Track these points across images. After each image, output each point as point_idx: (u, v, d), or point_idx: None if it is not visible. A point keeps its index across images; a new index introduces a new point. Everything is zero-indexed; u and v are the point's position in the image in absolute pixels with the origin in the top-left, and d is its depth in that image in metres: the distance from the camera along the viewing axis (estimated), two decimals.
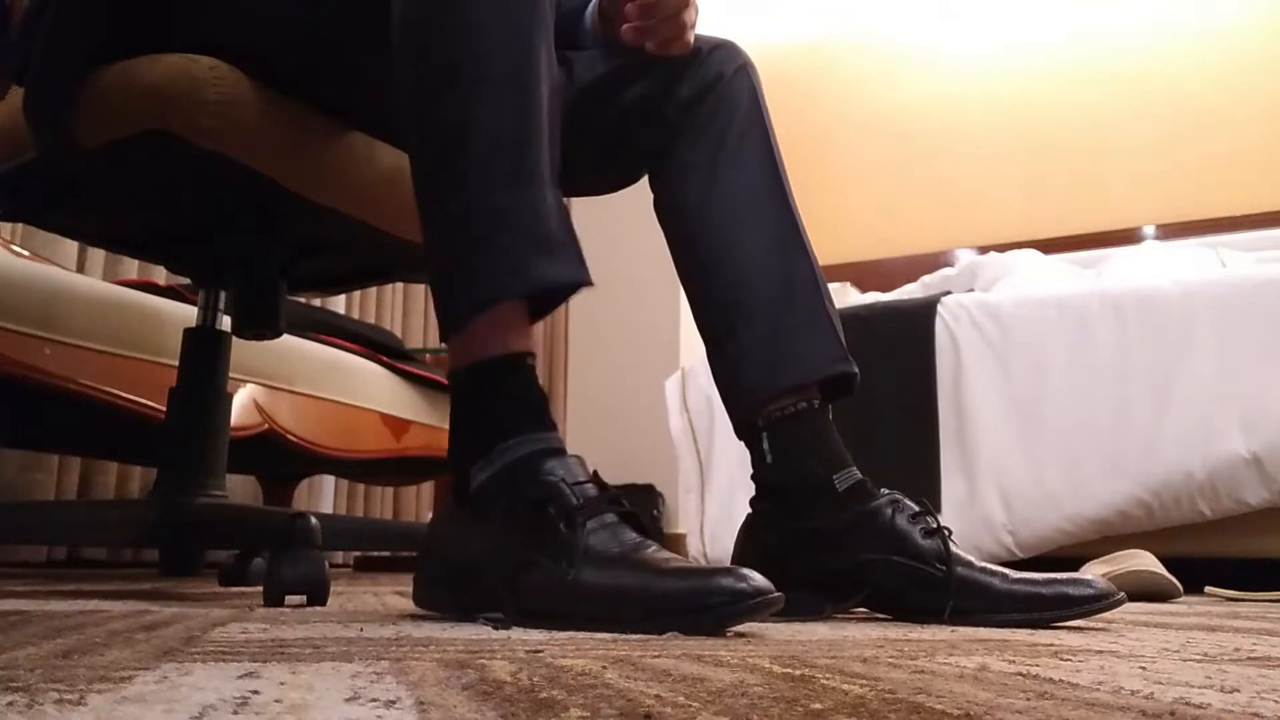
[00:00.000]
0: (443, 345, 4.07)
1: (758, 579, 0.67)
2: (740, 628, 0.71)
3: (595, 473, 0.77)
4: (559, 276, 0.80)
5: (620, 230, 4.05)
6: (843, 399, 1.02)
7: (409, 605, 0.96)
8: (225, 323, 1.30)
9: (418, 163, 0.83)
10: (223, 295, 1.32)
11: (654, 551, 0.72)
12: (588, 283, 0.81)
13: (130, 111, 0.97)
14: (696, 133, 1.04)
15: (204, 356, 1.27)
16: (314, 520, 0.99)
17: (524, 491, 0.74)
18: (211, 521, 1.19)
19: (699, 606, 0.66)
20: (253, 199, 1.11)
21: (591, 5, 1.11)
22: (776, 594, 0.68)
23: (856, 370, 1.01)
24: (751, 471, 1.01)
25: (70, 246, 2.18)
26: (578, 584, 0.69)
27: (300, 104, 1.07)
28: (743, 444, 1.02)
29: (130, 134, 0.97)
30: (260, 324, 1.24)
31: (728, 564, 0.73)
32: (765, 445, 0.98)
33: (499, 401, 0.80)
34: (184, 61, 0.97)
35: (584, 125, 1.03)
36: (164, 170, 1.06)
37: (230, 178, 1.04)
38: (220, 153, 0.99)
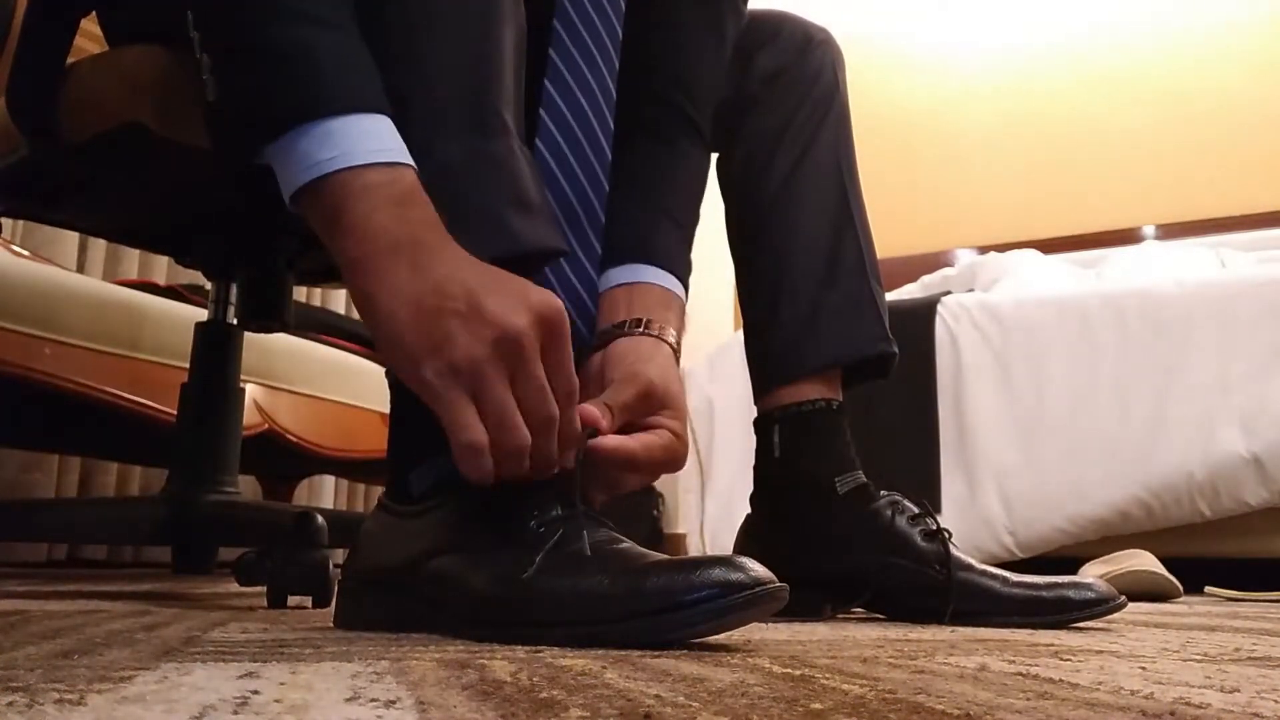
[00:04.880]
0: None
1: (755, 568, 0.56)
2: (739, 630, 0.68)
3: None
4: (542, 239, 0.66)
5: None
6: (880, 379, 1.03)
7: None
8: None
9: None
10: (234, 288, 1.31)
11: (628, 548, 0.61)
12: (566, 251, 0.71)
13: (106, 105, 0.96)
14: (771, 104, 1.03)
15: (216, 351, 1.27)
16: (320, 519, 0.98)
17: (475, 487, 0.61)
18: (225, 519, 1.18)
19: (685, 602, 0.55)
20: (248, 190, 1.09)
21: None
22: (779, 584, 0.57)
23: (896, 351, 1.01)
24: (754, 463, 1.01)
25: (70, 246, 2.18)
26: (536, 584, 0.58)
27: None
28: (743, 441, 1.02)
29: (109, 128, 0.96)
30: (267, 315, 1.24)
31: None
32: (776, 438, 0.98)
33: None
34: (154, 53, 0.96)
35: None
36: (149, 164, 1.04)
37: (218, 170, 1.02)
38: (200, 147, 0.97)
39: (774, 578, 0.57)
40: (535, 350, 0.58)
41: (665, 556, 0.60)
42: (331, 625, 0.71)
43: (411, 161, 0.61)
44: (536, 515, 0.62)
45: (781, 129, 1.03)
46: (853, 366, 1.00)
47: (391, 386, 0.71)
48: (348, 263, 0.60)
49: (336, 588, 0.73)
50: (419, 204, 0.60)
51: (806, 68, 1.05)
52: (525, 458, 0.59)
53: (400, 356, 0.59)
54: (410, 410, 0.69)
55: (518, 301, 0.58)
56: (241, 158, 0.62)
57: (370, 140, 0.60)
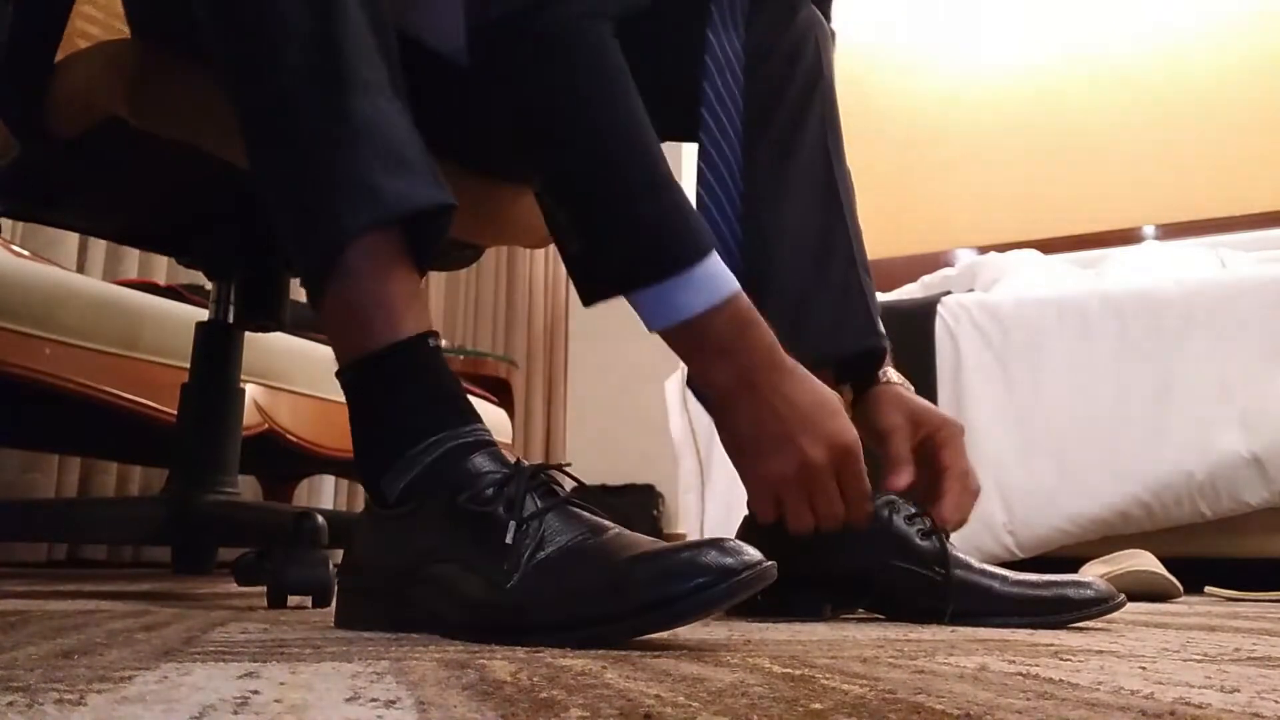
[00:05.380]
0: (465, 347, 3.94)
1: (743, 550, 0.56)
2: (739, 630, 0.69)
3: (519, 461, 0.65)
4: (417, 199, 0.67)
5: None
6: (871, 371, 0.99)
7: None
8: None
9: (233, 105, 0.71)
10: (234, 288, 1.30)
11: (612, 535, 0.60)
12: (453, 203, 0.69)
13: (89, 101, 0.95)
14: (758, 84, 0.98)
15: (217, 350, 1.26)
16: (320, 519, 0.98)
17: (446, 491, 0.63)
18: (225, 519, 1.18)
19: (673, 595, 0.54)
20: (239, 189, 1.09)
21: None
22: (768, 563, 0.57)
23: (887, 345, 0.98)
24: None
25: (70, 246, 2.18)
26: (520, 590, 0.58)
27: None
28: None
29: (93, 124, 0.96)
30: (264, 315, 1.24)
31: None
32: None
33: (401, 401, 0.67)
34: (130, 47, 0.95)
35: (655, 65, 0.89)
36: (134, 161, 1.04)
37: (205, 167, 1.01)
38: (184, 142, 0.96)
39: (760, 557, 0.57)
40: (828, 475, 0.78)
41: (651, 542, 0.59)
42: (331, 625, 0.71)
43: (736, 286, 0.75)
44: (514, 513, 0.61)
45: (765, 113, 0.99)
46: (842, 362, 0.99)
47: (347, 396, 0.70)
48: (712, 385, 0.79)
49: (336, 588, 0.73)
50: (754, 330, 0.77)
51: (798, 49, 1.01)
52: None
53: (733, 457, 0.83)
54: (366, 419, 0.70)
55: (821, 435, 0.77)
56: (601, 298, 0.76)
57: (717, 284, 0.74)
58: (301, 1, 0.67)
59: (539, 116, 0.76)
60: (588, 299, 0.77)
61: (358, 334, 0.68)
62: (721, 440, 0.82)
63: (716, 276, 0.74)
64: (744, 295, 0.76)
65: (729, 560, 0.55)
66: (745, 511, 1.02)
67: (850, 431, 0.78)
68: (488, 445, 0.66)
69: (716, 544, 0.56)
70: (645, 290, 0.73)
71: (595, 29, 0.76)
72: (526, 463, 0.65)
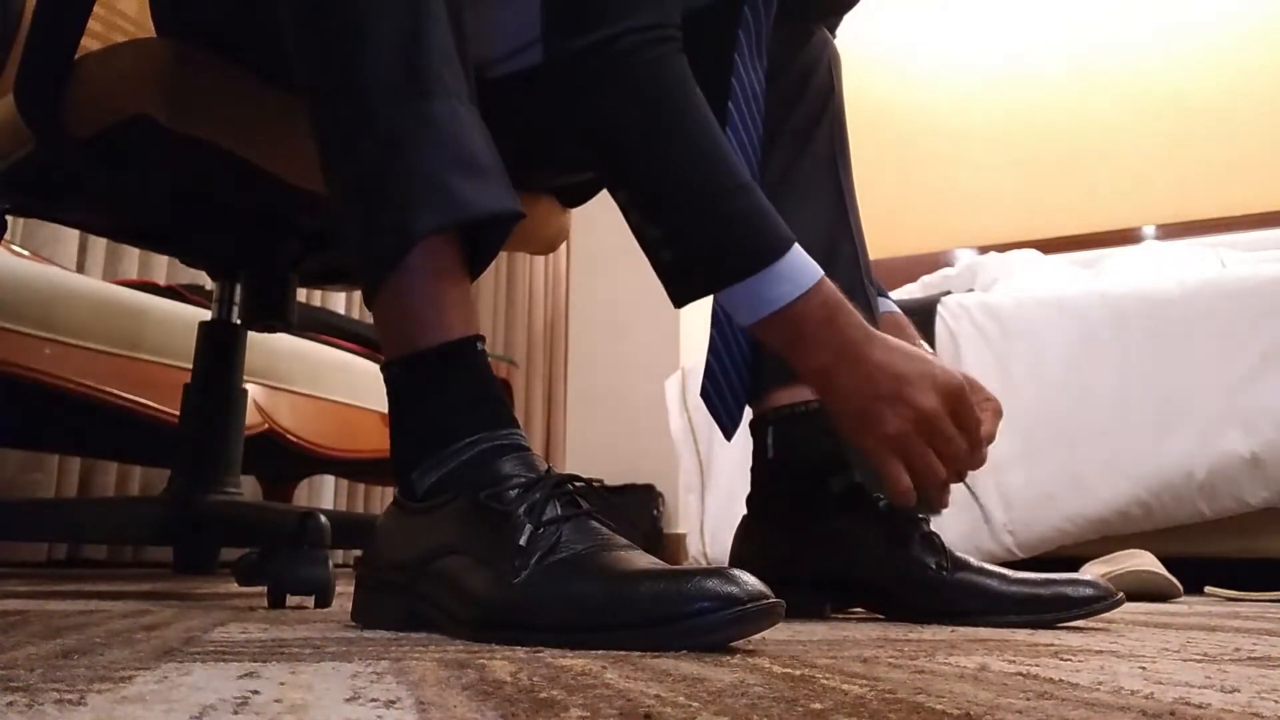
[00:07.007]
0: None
1: (752, 582, 0.55)
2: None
3: (549, 469, 0.66)
4: (489, 203, 0.68)
5: (620, 229, 4.04)
6: None
7: None
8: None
9: (309, 100, 0.72)
10: (238, 288, 1.30)
11: (626, 551, 0.61)
12: (521, 212, 0.71)
13: (114, 99, 0.95)
14: (771, 99, 0.99)
15: (219, 351, 1.26)
16: (324, 520, 0.98)
17: (472, 488, 0.64)
18: (227, 519, 1.18)
19: (675, 614, 0.54)
20: (254, 189, 1.09)
21: None
22: (775, 600, 0.56)
23: None
24: (751, 464, 1.01)
25: (70, 246, 2.18)
26: (527, 589, 0.59)
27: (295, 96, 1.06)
28: (743, 441, 1.02)
29: (116, 121, 0.96)
30: (271, 315, 1.24)
31: (723, 564, 0.62)
32: (770, 439, 0.98)
33: (444, 400, 0.68)
34: (163, 46, 0.96)
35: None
36: (155, 160, 1.04)
37: (224, 167, 1.02)
38: (208, 140, 0.96)
39: (769, 592, 0.56)
40: (946, 419, 0.78)
41: (662, 564, 0.59)
42: (332, 625, 0.71)
43: (821, 272, 0.78)
44: (534, 517, 0.62)
45: (778, 123, 1.01)
46: None
47: (390, 389, 0.72)
48: (815, 368, 0.79)
49: (355, 582, 0.73)
50: (844, 309, 0.78)
51: (809, 65, 1.05)
52: (943, 489, 0.81)
53: (851, 431, 0.79)
54: (407, 413, 0.71)
55: (928, 385, 0.78)
56: (694, 298, 0.79)
57: (804, 273, 0.77)
58: (396, 2, 0.69)
59: (623, 140, 0.79)
60: (680, 301, 0.80)
61: (410, 331, 0.69)
62: (837, 422, 0.82)
63: (803, 266, 0.77)
64: (829, 280, 0.78)
65: (735, 590, 0.54)
66: (745, 511, 1.02)
67: (954, 376, 0.79)
68: (521, 450, 0.67)
69: (727, 574, 0.56)
70: (740, 285, 0.76)
71: (666, 51, 0.78)
72: (556, 472, 0.65)
